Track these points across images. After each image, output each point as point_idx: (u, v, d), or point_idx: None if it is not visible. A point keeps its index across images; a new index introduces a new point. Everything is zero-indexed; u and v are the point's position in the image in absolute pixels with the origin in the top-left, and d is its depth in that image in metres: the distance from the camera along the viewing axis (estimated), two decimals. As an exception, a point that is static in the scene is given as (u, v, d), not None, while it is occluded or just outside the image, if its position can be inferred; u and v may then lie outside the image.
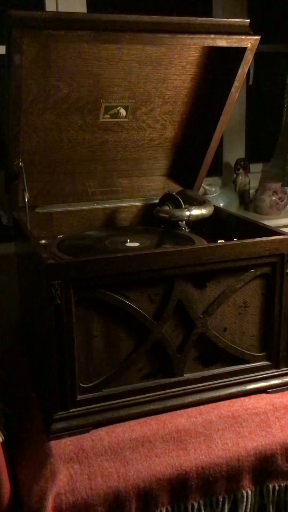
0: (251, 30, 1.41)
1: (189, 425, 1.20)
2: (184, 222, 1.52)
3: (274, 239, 1.26)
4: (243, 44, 1.40)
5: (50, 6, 1.86)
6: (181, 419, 1.22)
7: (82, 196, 1.62)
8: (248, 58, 1.45)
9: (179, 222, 1.52)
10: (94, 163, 1.62)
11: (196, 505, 1.17)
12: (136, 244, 1.39)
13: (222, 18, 1.40)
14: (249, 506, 1.22)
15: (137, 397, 1.22)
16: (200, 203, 1.57)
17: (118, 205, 1.67)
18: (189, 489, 1.16)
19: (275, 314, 1.30)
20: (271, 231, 1.33)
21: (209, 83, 1.56)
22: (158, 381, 1.24)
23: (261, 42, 1.41)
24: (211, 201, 1.67)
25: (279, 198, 2.15)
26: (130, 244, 1.39)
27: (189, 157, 1.70)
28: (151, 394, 1.23)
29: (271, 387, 1.33)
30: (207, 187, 2.11)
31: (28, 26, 1.19)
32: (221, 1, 2.19)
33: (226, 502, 1.20)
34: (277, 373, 1.34)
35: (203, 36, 1.35)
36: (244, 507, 1.21)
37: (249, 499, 1.21)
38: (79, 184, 1.62)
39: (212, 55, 1.50)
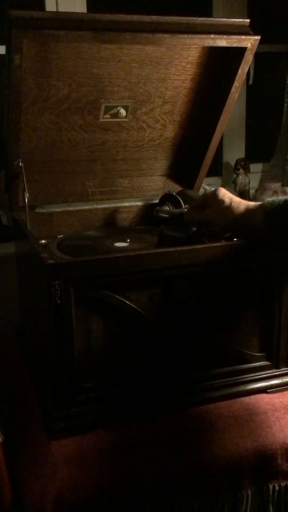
0: (251, 30, 1.41)
1: (188, 425, 1.20)
2: (184, 222, 1.51)
3: (274, 239, 1.26)
4: (243, 44, 1.40)
5: (50, 6, 1.86)
6: (181, 419, 1.22)
7: (82, 196, 1.62)
8: (248, 58, 1.45)
9: (179, 222, 1.51)
10: (94, 163, 1.62)
11: (196, 505, 1.17)
12: (125, 245, 1.40)
13: (222, 18, 1.40)
14: (249, 506, 1.22)
15: (137, 397, 1.22)
16: (200, 203, 1.56)
17: (118, 205, 1.67)
18: (188, 489, 1.16)
19: (275, 314, 1.30)
20: (271, 231, 1.33)
21: (209, 83, 1.56)
22: (158, 381, 1.24)
23: (261, 42, 1.41)
24: (211, 201, 1.67)
25: (279, 198, 2.15)
26: (118, 244, 1.40)
27: (189, 157, 1.70)
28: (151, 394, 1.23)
29: (271, 387, 1.33)
30: (207, 187, 2.10)
31: (28, 26, 1.19)
32: (221, 1, 2.20)
33: (226, 502, 1.20)
34: (277, 373, 1.34)
35: (203, 36, 1.35)
36: (244, 507, 1.21)
37: (249, 499, 1.21)
38: (79, 184, 1.62)
39: (212, 55, 1.50)
